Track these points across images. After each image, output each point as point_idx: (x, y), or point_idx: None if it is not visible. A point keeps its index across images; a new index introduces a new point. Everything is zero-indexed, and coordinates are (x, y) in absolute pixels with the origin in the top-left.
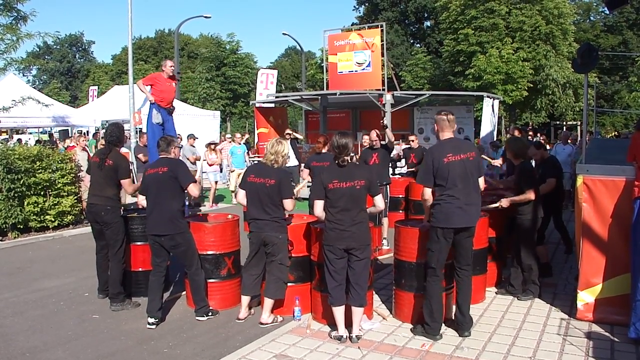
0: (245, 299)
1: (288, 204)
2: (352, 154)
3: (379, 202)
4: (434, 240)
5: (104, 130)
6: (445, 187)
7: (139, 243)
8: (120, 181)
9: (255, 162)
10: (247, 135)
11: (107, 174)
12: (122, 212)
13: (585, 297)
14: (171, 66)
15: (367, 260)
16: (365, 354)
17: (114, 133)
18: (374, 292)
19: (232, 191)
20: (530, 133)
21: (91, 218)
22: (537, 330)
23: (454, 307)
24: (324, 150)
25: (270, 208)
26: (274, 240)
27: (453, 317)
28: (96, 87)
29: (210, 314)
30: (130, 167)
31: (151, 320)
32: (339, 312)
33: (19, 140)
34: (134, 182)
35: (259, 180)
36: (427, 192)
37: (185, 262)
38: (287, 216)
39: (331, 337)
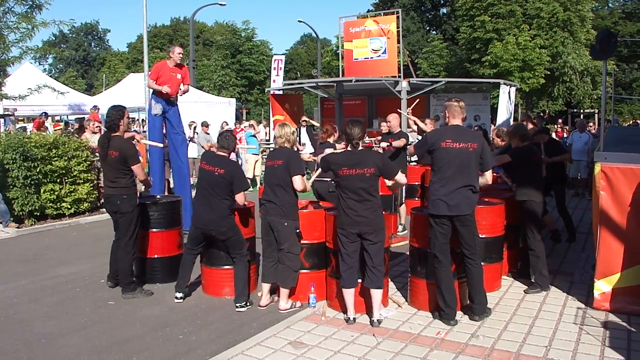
0: (265, 286)
1: (296, 180)
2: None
3: (401, 178)
4: (430, 226)
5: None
6: (436, 172)
7: (155, 230)
8: (131, 167)
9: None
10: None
11: (116, 166)
12: (137, 200)
13: (602, 287)
14: (179, 53)
15: (382, 243)
16: (381, 341)
17: (111, 116)
18: (389, 280)
19: (249, 178)
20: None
21: (109, 208)
22: (553, 319)
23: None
24: (329, 140)
25: (280, 191)
26: (279, 227)
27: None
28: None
29: (248, 304)
30: (138, 149)
31: (179, 295)
32: (349, 294)
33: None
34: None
35: (270, 163)
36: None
37: (235, 250)
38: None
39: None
